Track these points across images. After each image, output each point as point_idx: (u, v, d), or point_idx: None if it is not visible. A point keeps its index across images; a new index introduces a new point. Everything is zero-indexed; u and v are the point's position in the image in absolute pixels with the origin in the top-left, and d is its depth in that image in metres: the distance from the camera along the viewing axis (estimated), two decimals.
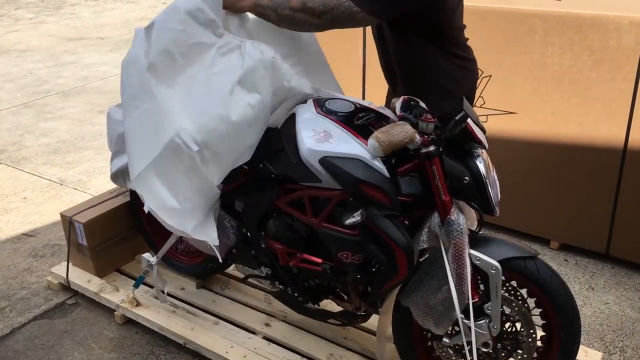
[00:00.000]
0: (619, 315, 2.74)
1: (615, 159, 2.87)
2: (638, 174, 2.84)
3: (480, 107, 3.17)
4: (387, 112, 2.20)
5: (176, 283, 2.86)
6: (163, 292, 2.69)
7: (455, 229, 1.92)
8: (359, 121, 2.07)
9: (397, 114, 2.14)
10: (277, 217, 2.26)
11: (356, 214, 1.95)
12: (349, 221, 1.93)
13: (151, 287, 2.84)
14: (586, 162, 2.96)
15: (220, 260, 2.36)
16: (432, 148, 1.88)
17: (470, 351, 1.95)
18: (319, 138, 2.02)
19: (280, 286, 2.42)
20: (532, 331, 2.04)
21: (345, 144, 1.99)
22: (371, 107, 2.21)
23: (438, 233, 1.94)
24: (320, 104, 2.15)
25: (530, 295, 2.06)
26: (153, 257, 2.66)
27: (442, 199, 1.92)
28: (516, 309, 2.03)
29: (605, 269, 3.08)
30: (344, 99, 2.21)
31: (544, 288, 1.99)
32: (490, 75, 3.09)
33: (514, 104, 3.06)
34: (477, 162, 1.92)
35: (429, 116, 1.88)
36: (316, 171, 2.02)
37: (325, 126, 2.05)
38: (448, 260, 1.94)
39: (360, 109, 2.14)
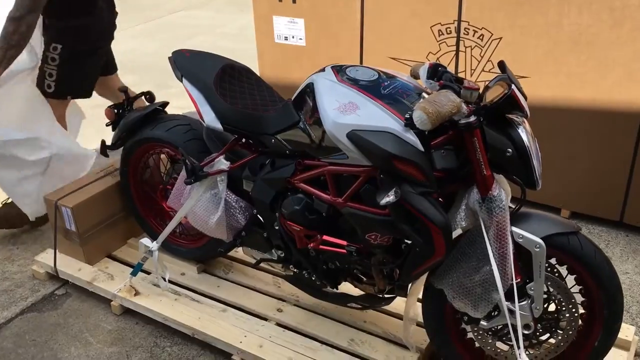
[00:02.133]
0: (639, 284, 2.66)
1: (633, 123, 2.76)
2: None
3: (489, 71, 3.01)
4: (411, 80, 2.02)
5: (175, 268, 2.66)
6: (164, 279, 2.50)
7: (497, 205, 1.77)
8: (386, 90, 1.88)
9: (425, 81, 1.98)
10: (293, 196, 2.07)
11: (390, 192, 1.77)
12: (383, 201, 1.75)
13: (148, 273, 2.64)
14: (602, 128, 2.84)
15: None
16: (472, 119, 1.71)
17: (516, 335, 1.82)
18: (345, 110, 1.83)
19: (295, 270, 2.25)
20: (574, 310, 1.92)
21: (374, 115, 1.81)
22: (395, 74, 2.02)
23: (478, 210, 1.79)
24: (341, 72, 1.96)
25: (571, 272, 1.93)
26: (152, 242, 2.46)
27: (483, 174, 1.76)
28: (558, 287, 1.91)
29: (620, 236, 3.00)
30: (365, 67, 2.02)
31: (587, 264, 1.87)
32: (501, 38, 2.92)
33: (526, 67, 2.91)
34: (520, 132, 1.76)
35: (471, 83, 1.71)
36: (343, 146, 1.84)
37: (350, 96, 1.86)
38: (489, 239, 1.80)
39: (384, 77, 1.95)
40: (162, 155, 2.66)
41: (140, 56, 6.05)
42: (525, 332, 1.91)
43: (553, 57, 2.82)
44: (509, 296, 1.83)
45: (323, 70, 2.00)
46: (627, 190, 2.89)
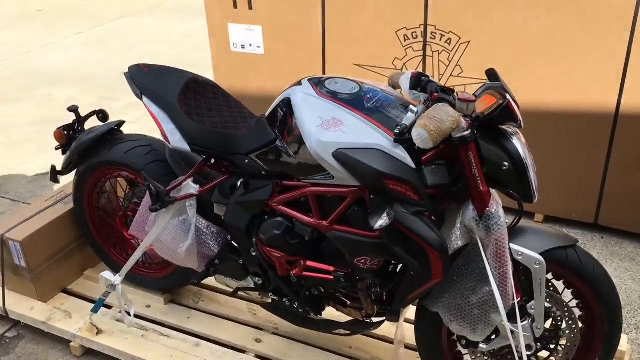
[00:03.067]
0: (622, 289, 2.62)
1: (606, 125, 2.73)
2: (630, 139, 2.71)
3: (458, 76, 2.94)
4: (392, 91, 1.90)
5: (139, 300, 2.45)
6: (129, 313, 2.29)
7: (495, 222, 1.66)
8: (370, 103, 1.75)
9: (408, 92, 1.87)
10: (272, 220, 1.91)
11: (383, 215, 1.64)
12: (377, 225, 1.62)
13: (109, 307, 2.42)
14: (575, 131, 2.80)
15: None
16: (467, 132, 1.60)
17: (521, 357, 1.72)
18: (329, 126, 1.69)
19: (274, 297, 2.10)
20: (574, 326, 1.84)
21: (361, 132, 1.68)
22: (375, 85, 1.90)
23: (474, 228, 1.68)
24: (320, 85, 1.82)
25: (568, 286, 1.85)
26: (113, 275, 2.25)
27: (479, 190, 1.65)
28: (557, 303, 1.82)
29: (595, 239, 2.97)
30: (343, 78, 1.89)
31: (586, 279, 1.79)
32: (469, 41, 2.84)
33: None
34: (515, 143, 1.66)
35: (466, 95, 1.59)
36: (328, 166, 1.70)
37: (333, 112, 1.72)
38: (487, 259, 1.69)
39: (365, 89, 1.82)
40: (119, 179, 2.45)
41: (81, 67, 5.73)
42: (527, 353, 1.82)
43: (523, 61, 2.76)
44: (510, 317, 1.73)
45: (299, 83, 1.85)
46: (602, 191, 2.87)
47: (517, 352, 1.72)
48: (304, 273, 1.91)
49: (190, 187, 2.03)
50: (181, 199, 2.04)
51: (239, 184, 2.04)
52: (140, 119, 4.37)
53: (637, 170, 2.75)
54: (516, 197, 1.70)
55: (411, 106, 1.73)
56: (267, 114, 1.91)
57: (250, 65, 3.46)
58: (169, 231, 2.09)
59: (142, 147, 2.23)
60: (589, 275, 1.78)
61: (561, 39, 2.66)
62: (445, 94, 1.61)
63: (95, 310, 2.31)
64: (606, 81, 2.64)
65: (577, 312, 1.85)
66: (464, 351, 1.95)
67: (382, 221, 1.63)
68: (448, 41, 2.89)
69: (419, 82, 1.85)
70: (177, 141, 1.99)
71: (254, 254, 2.00)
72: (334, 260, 1.88)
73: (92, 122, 2.36)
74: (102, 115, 2.40)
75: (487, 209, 1.66)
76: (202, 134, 1.97)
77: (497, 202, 1.68)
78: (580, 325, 1.85)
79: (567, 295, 1.85)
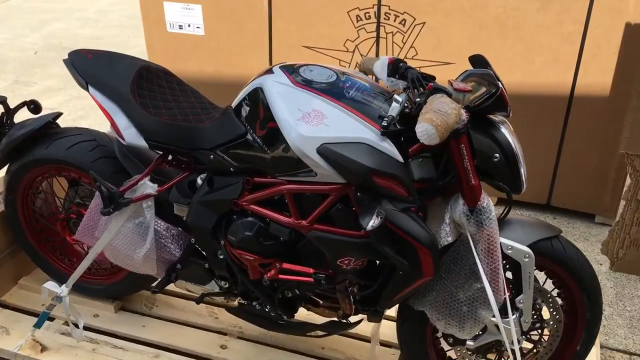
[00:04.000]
0: None
1: (560, 107, 2.73)
2: (584, 119, 2.73)
3: (412, 58, 2.85)
4: (368, 79, 1.78)
5: (86, 310, 2.22)
6: (77, 326, 2.07)
7: (487, 217, 1.59)
8: (350, 93, 1.62)
9: (386, 80, 1.76)
10: (243, 220, 1.75)
11: (374, 214, 1.53)
12: (369, 225, 1.50)
13: (51, 319, 2.18)
14: (529, 112, 2.80)
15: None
16: (458, 125, 1.50)
17: (514, 354, 1.67)
18: (310, 120, 1.55)
19: (243, 301, 1.95)
20: (558, 317, 1.82)
21: (345, 125, 1.55)
22: (349, 72, 1.77)
23: (464, 223, 1.60)
24: (294, 73, 1.67)
25: (550, 276, 1.82)
26: (57, 285, 2.02)
27: (470, 184, 1.57)
28: (542, 295, 1.79)
29: (548, 219, 3.00)
30: (317, 65, 1.74)
31: (571, 268, 1.76)
32: (424, 23, 2.76)
33: (450, 53, 2.78)
34: (505, 133, 1.59)
35: (460, 84, 1.49)
36: (311, 162, 1.56)
37: (313, 103, 1.58)
38: (478, 254, 1.62)
39: (343, 77, 1.69)
40: (57, 178, 2.20)
41: None
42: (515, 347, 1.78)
43: (479, 42, 2.72)
44: (500, 312, 1.68)
45: (270, 71, 1.69)
46: (555, 172, 2.89)
47: (510, 348, 1.67)
48: (280, 276, 1.78)
49: (148, 186, 1.83)
50: (137, 200, 1.83)
51: (198, 180, 1.87)
52: (63, 105, 4.03)
53: (589, 151, 2.79)
54: (505, 189, 1.63)
55: (395, 95, 1.61)
56: (233, 105, 1.74)
57: (189, 47, 3.23)
58: (123, 235, 1.88)
59: (86, 143, 1.99)
60: (573, 265, 1.75)
61: (517, 20, 2.62)
62: (437, 84, 1.50)
63: (38, 325, 2.07)
64: (561, 63, 2.64)
65: (560, 302, 1.83)
66: (446, 347, 1.89)
67: (374, 221, 1.51)
68: (402, 22, 2.79)
69: (397, 68, 1.75)
70: (132, 136, 1.78)
71: (221, 257, 1.84)
72: (312, 261, 1.76)
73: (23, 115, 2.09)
74: (34, 106, 2.12)
75: (479, 202, 1.58)
76: (161, 128, 1.77)
77: (487, 196, 1.61)
78: (563, 315, 1.83)
79: (546, 285, 1.82)
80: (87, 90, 1.84)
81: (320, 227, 1.66)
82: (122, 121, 1.78)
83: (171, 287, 2.15)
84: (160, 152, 1.85)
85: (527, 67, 2.69)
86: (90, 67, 1.85)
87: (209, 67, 3.21)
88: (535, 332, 1.83)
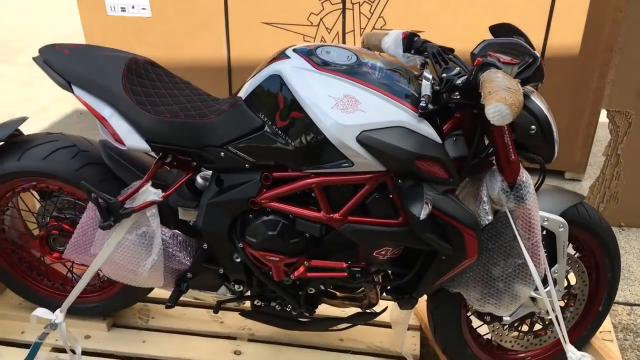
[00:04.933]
0: None
1: None
2: (554, 78, 2.75)
3: (381, 28, 2.76)
4: (387, 57, 1.67)
5: (74, 331, 2.01)
6: (74, 352, 1.87)
7: (528, 191, 1.54)
8: (376, 74, 1.51)
9: (401, 56, 1.66)
10: (264, 219, 1.62)
11: (426, 201, 1.44)
12: (424, 213, 1.42)
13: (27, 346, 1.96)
14: None
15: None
16: None
17: (559, 326, 1.65)
18: (345, 107, 1.43)
19: (260, 303, 1.83)
20: (584, 281, 1.83)
21: (382, 109, 1.44)
22: (362, 51, 1.65)
23: (503, 200, 1.55)
24: (312, 56, 1.53)
25: (571, 240, 1.82)
26: (48, 311, 1.81)
27: (510, 159, 1.52)
28: (570, 261, 1.78)
29: None
30: (331, 45, 1.62)
31: (595, 232, 1.77)
32: None
33: (420, 21, 2.71)
34: (539, 104, 1.54)
35: (508, 57, 1.42)
36: (351, 152, 1.44)
37: (343, 88, 1.46)
38: (518, 229, 1.58)
39: (361, 57, 1.58)
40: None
41: None
42: (549, 317, 1.78)
43: (449, 7, 2.66)
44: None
45: (284, 55, 1.55)
46: None
47: (555, 318, 1.65)
48: (308, 274, 1.67)
49: (150, 193, 1.65)
50: (140, 209, 1.65)
51: (199, 180, 1.72)
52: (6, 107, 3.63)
53: (560, 110, 2.82)
54: (538, 160, 1.58)
55: (425, 73, 1.52)
56: (244, 95, 1.59)
57: (133, 31, 2.96)
58: (125, 249, 1.70)
59: (66, 150, 1.77)
60: (597, 228, 1.76)
61: None
62: (487, 59, 1.42)
63: (30, 357, 1.85)
64: (533, 23, 2.64)
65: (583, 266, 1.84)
66: (475, 325, 1.87)
67: (427, 208, 1.43)
68: None
69: (412, 42, 1.66)
70: (134, 140, 1.59)
71: (238, 260, 1.70)
72: (339, 254, 1.66)
73: None
74: None
75: (519, 177, 1.54)
76: (164, 128, 1.59)
77: (524, 170, 1.56)
78: (587, 278, 1.84)
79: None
80: (71, 91, 1.61)
81: (355, 219, 1.55)
82: (121, 124, 1.58)
83: (163, 293, 1.98)
84: (159, 154, 1.68)
85: None
86: (70, 64, 1.62)
87: (158, 51, 2.97)
88: (566, 299, 1.84)
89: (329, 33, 2.78)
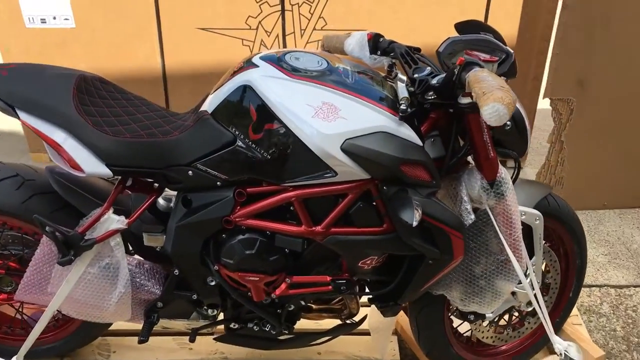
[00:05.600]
0: None
1: None
2: None
3: (322, 29, 2.70)
4: (354, 59, 1.62)
5: None
6: None
7: (507, 187, 1.54)
8: (349, 78, 1.46)
9: (368, 58, 1.62)
10: (240, 238, 1.52)
11: (415, 207, 1.40)
12: (416, 219, 1.37)
13: None
14: None
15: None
16: None
17: (544, 317, 1.66)
18: (326, 115, 1.37)
19: (236, 325, 1.73)
20: (557, 269, 1.86)
21: (362, 115, 1.39)
22: (335, 56, 1.60)
23: (484, 198, 1.53)
24: (282, 63, 1.45)
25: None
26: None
27: (490, 156, 1.51)
28: (543, 252, 1.80)
29: None
30: (299, 51, 1.54)
31: (565, 221, 1.80)
32: None
33: (361, 19, 2.68)
34: None
35: (486, 56, 1.40)
36: (334, 162, 1.38)
37: (321, 95, 1.39)
38: (499, 226, 1.57)
39: (330, 61, 1.52)
40: None
41: None
42: (529, 309, 1.79)
43: (387, 4, 2.64)
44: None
45: (251, 64, 1.46)
46: None
47: (539, 309, 1.65)
48: (289, 292, 1.59)
49: (113, 220, 1.51)
50: (103, 239, 1.51)
51: (161, 202, 1.60)
52: None
53: None
54: (512, 155, 1.58)
55: (399, 75, 1.48)
56: (210, 109, 1.48)
57: (56, 44, 2.75)
58: (87, 283, 1.55)
59: (9, 180, 1.60)
60: (566, 217, 1.79)
61: None
62: (468, 58, 1.39)
63: None
64: (470, 13, 2.66)
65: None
66: (455, 324, 1.86)
67: (417, 214, 1.39)
68: None
69: (377, 44, 1.62)
70: (93, 165, 1.44)
71: (212, 283, 1.60)
72: (319, 267, 1.60)
73: None
74: None
75: (498, 174, 1.53)
76: (125, 149, 1.46)
77: (502, 167, 1.56)
78: (559, 266, 1.88)
79: None
80: (16, 116, 1.45)
81: (339, 231, 1.49)
82: (77, 149, 1.43)
83: (125, 325, 1.85)
84: (118, 178, 1.54)
85: (435, 28, 2.68)
86: (11, 86, 1.46)
87: (85, 64, 2.77)
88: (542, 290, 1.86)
89: (269, 36, 2.70)
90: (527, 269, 1.64)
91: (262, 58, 1.47)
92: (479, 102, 1.19)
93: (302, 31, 2.71)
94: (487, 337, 1.84)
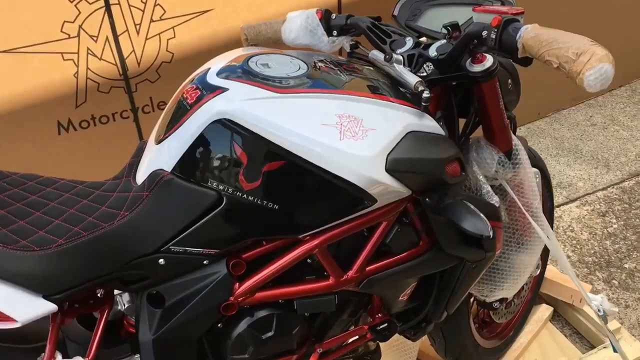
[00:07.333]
0: None
1: None
2: None
3: (161, 19, 2.18)
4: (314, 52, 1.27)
5: None
6: None
7: (523, 154, 1.35)
8: (343, 75, 1.12)
9: (326, 41, 1.28)
10: (248, 322, 1.13)
11: (477, 212, 1.12)
12: (488, 230, 1.10)
13: None
14: None
15: None
16: (490, 62, 1.16)
17: (576, 282, 1.52)
18: (353, 132, 1.01)
19: None
20: None
21: (387, 119, 1.09)
22: (302, 51, 1.23)
23: (500, 172, 1.32)
24: (254, 78, 1.04)
25: None
26: None
27: (505, 125, 1.29)
28: None
29: None
30: (262, 54, 1.14)
31: (537, 165, 1.67)
32: None
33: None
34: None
35: (507, 7, 1.15)
36: (379, 189, 1.04)
37: (330, 107, 1.03)
38: (519, 199, 1.38)
39: (315, 60, 1.16)
40: None
41: None
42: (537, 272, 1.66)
43: None
44: None
45: (217, 88, 1.02)
46: None
47: (570, 272, 1.51)
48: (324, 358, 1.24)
49: None
50: None
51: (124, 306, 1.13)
52: None
53: None
54: (511, 115, 1.39)
55: (395, 55, 1.16)
56: (169, 167, 1.03)
57: None
58: None
59: None
60: (538, 162, 1.68)
61: None
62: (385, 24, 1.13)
63: None
64: None
65: None
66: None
67: (484, 221, 1.12)
68: None
69: (329, 22, 1.29)
70: (27, 307, 0.91)
71: None
72: (349, 317, 1.27)
73: None
74: None
75: (514, 144, 1.32)
76: (63, 263, 0.95)
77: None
78: None
79: None
80: None
81: (375, 268, 1.17)
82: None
83: None
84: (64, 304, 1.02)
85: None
86: None
87: None
88: None
89: (96, 41, 2.12)
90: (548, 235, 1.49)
91: (222, 76, 1.05)
92: (575, 68, 0.94)
93: (138, 26, 2.17)
94: (501, 317, 1.68)
